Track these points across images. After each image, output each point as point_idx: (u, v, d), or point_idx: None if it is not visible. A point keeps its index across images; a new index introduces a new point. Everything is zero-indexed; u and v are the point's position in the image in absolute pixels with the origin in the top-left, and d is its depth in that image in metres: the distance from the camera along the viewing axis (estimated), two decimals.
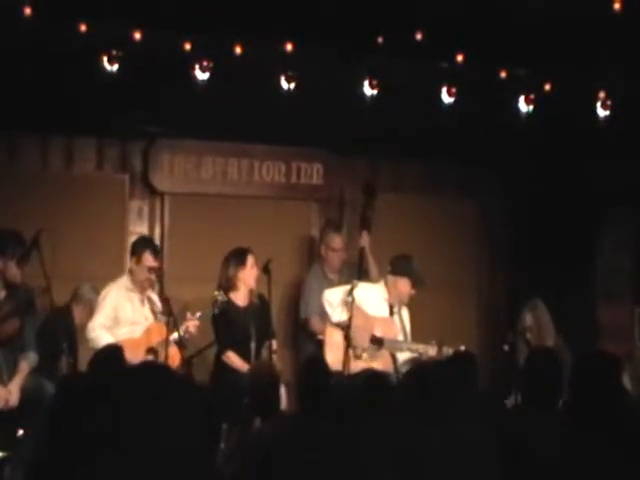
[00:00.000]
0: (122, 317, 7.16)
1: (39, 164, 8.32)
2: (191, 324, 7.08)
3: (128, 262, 7.63)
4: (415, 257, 7.68)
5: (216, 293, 7.18)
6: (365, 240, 7.97)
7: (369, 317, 7.46)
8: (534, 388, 4.59)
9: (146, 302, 7.30)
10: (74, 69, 7.21)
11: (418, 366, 5.16)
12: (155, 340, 7.04)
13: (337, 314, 7.43)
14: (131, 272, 7.33)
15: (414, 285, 7.57)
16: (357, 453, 4.11)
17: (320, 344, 7.51)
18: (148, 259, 7.24)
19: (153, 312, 7.24)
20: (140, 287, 7.28)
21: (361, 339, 7.36)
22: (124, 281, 7.31)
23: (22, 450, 6.05)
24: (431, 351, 7.34)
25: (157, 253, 7.40)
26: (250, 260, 7.39)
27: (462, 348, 7.30)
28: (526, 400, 4.69)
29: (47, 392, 6.13)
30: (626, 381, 7.25)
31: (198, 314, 7.15)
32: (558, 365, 4.64)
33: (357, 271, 7.88)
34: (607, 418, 4.10)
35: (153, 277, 7.28)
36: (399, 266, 7.57)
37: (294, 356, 8.31)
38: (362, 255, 7.95)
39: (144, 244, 7.44)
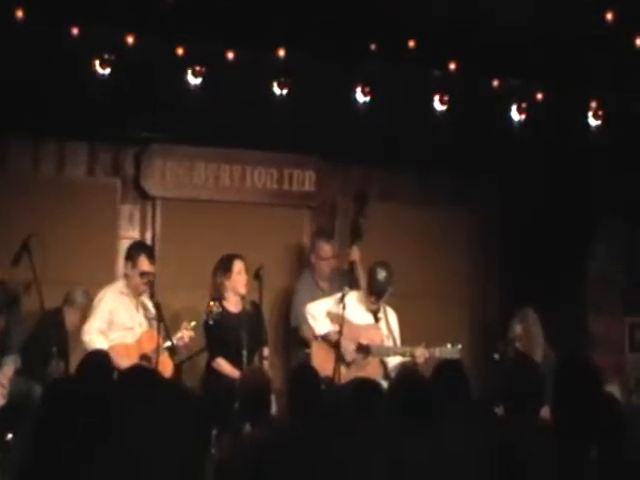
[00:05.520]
0: (116, 321, 7.14)
1: (30, 168, 8.29)
2: (186, 334, 7.08)
3: (120, 267, 7.68)
4: (394, 264, 7.59)
5: (212, 304, 7.16)
6: (356, 254, 7.97)
7: (354, 325, 7.45)
8: (511, 397, 4.61)
9: (140, 308, 7.28)
10: (66, 73, 7.19)
11: (405, 376, 5.15)
12: (148, 347, 7.02)
13: (321, 326, 7.45)
14: (126, 277, 7.30)
15: (368, 292, 7.54)
16: (347, 459, 4.10)
17: (309, 356, 7.51)
18: (144, 263, 7.22)
19: (147, 318, 7.21)
20: (135, 292, 7.25)
21: (348, 348, 7.36)
22: (119, 285, 7.30)
23: (11, 454, 6.03)
24: (419, 352, 7.34)
25: (152, 258, 7.36)
26: (237, 266, 7.38)
27: (449, 346, 7.35)
28: (506, 409, 4.70)
29: (37, 396, 6.12)
30: (616, 391, 7.26)
31: (193, 324, 7.14)
32: (535, 374, 4.66)
33: (348, 280, 7.85)
34: (589, 428, 4.10)
35: (145, 282, 7.26)
36: (367, 271, 7.57)
37: (284, 363, 8.30)
38: (352, 268, 7.94)
39: (139, 249, 7.42)
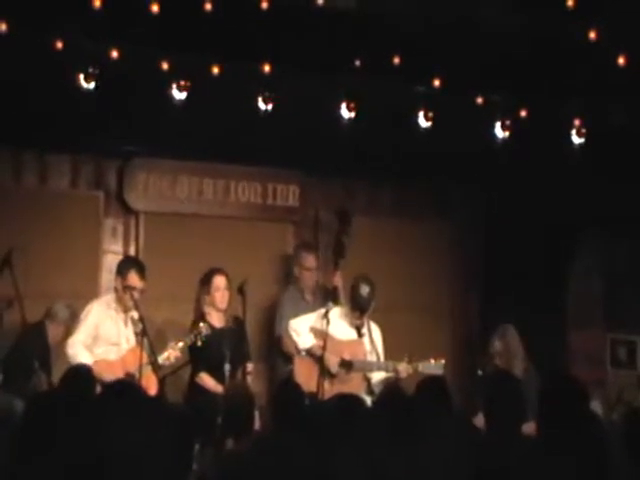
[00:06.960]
0: (102, 335, 7.13)
1: (12, 180, 8.26)
2: (172, 354, 7.06)
3: (103, 281, 7.82)
4: (377, 278, 7.60)
5: (201, 325, 7.15)
6: (338, 280, 7.97)
7: (337, 341, 7.45)
8: (492, 412, 4.62)
9: (130, 323, 7.22)
10: (50, 86, 7.18)
11: (389, 390, 5.16)
12: (132, 365, 6.95)
13: (304, 340, 7.45)
14: (116, 291, 7.27)
15: (352, 308, 7.55)
16: (330, 476, 4.09)
17: (292, 372, 7.49)
18: (133, 279, 7.19)
19: (135, 334, 7.13)
20: (124, 307, 7.22)
21: (330, 363, 7.36)
22: (108, 299, 7.29)
23: None
24: (402, 367, 7.35)
25: (143, 274, 7.29)
26: (216, 282, 7.37)
27: (432, 361, 7.39)
28: (488, 424, 4.71)
29: (18, 410, 6.07)
30: (597, 406, 7.28)
31: (180, 344, 7.11)
32: (515, 390, 4.67)
33: (331, 300, 7.83)
34: (574, 443, 4.11)
35: (131, 296, 7.23)
36: (350, 287, 7.56)
37: (268, 377, 8.28)
38: (335, 294, 7.92)
39: (130, 264, 7.42)
